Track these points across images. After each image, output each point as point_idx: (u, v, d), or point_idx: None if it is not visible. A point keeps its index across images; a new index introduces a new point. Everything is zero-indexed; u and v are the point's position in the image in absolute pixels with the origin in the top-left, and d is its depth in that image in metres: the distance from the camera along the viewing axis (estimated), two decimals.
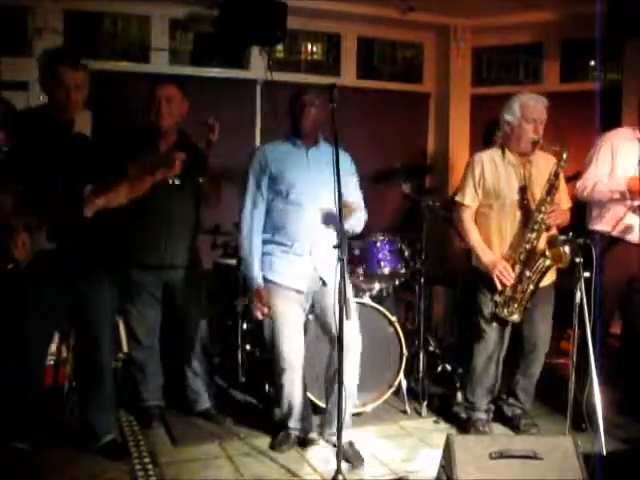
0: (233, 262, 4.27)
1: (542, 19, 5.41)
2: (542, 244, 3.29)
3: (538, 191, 3.34)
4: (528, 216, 3.34)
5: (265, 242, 3.24)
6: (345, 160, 3.20)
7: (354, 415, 3.47)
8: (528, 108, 3.34)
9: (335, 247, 2.77)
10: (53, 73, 2.89)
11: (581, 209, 3.76)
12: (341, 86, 3.08)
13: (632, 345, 3.79)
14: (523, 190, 3.38)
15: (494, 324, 3.44)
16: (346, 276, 3.18)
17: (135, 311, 3.52)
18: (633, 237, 3.60)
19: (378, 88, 5.71)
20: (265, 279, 3.20)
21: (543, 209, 3.27)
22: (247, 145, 5.29)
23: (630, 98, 4.76)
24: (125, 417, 3.67)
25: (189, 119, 3.48)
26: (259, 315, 3.20)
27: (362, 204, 3.32)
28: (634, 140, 3.65)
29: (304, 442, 3.37)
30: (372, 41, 5.86)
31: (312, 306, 3.32)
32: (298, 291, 3.21)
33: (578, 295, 2.96)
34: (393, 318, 3.84)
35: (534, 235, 3.30)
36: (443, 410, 3.85)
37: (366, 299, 3.85)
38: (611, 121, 4.18)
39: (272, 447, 3.33)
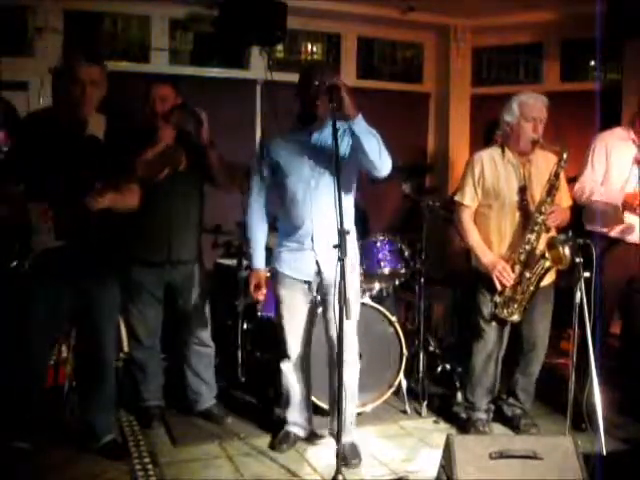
0: (234, 262, 4.27)
1: (542, 19, 5.42)
2: (542, 245, 3.28)
3: (538, 191, 3.34)
4: (527, 216, 3.34)
5: (278, 232, 3.29)
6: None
7: None
8: (527, 106, 3.33)
9: (335, 247, 2.77)
10: (69, 69, 2.88)
11: (580, 209, 3.76)
12: None
13: (632, 345, 3.79)
14: (523, 190, 3.37)
15: (493, 324, 3.44)
16: (355, 276, 3.21)
17: (136, 311, 3.52)
18: (633, 237, 3.60)
19: (378, 88, 5.72)
20: (275, 269, 3.24)
21: (543, 209, 3.27)
22: (247, 145, 5.29)
23: (630, 98, 4.77)
24: (125, 417, 3.67)
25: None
26: (257, 296, 3.29)
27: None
28: (628, 140, 3.65)
29: (309, 437, 3.39)
30: (372, 41, 5.87)
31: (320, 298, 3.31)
32: (302, 281, 3.19)
33: (578, 295, 2.96)
34: (393, 318, 3.84)
35: (534, 236, 3.29)
36: (443, 410, 3.85)
37: (366, 299, 3.85)
38: (611, 121, 4.18)
39: (272, 447, 3.33)
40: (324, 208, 2.99)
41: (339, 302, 2.75)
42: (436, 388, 4.15)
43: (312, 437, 3.44)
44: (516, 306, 3.35)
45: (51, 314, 2.97)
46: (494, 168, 3.41)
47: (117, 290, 3.18)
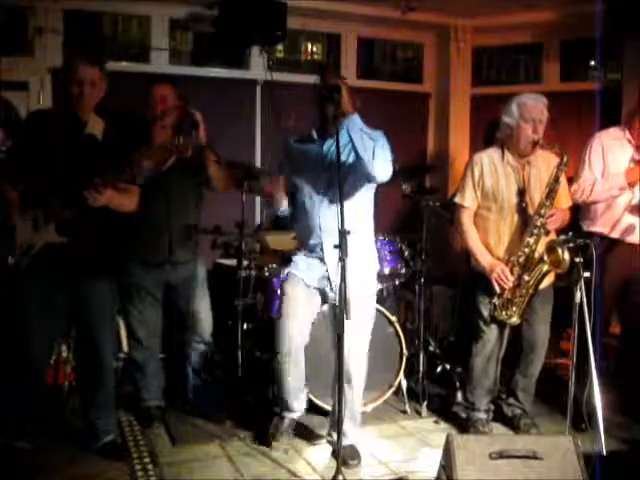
0: (233, 262, 4.27)
1: (542, 19, 5.41)
2: (541, 248, 3.27)
3: (537, 194, 3.33)
4: (526, 219, 3.33)
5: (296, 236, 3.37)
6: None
7: None
8: (526, 107, 3.32)
9: (335, 247, 2.77)
10: (68, 69, 2.90)
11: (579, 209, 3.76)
12: None
13: (630, 345, 3.80)
14: (521, 193, 3.37)
15: (493, 325, 3.43)
16: (369, 278, 3.22)
17: (135, 311, 3.52)
18: (633, 238, 3.60)
19: (378, 88, 5.71)
20: (290, 272, 3.26)
21: (542, 212, 3.26)
22: (247, 145, 5.30)
23: (630, 98, 4.77)
24: (125, 417, 3.67)
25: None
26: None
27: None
28: (623, 140, 3.65)
29: (309, 438, 3.40)
30: (372, 41, 5.86)
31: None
32: (307, 284, 3.20)
33: (578, 295, 2.96)
34: (393, 318, 3.84)
35: (533, 239, 3.29)
36: (443, 410, 3.85)
37: None
38: (611, 121, 4.17)
39: (267, 439, 3.31)
40: (333, 218, 2.91)
41: (339, 302, 2.75)
42: (436, 388, 4.15)
43: (312, 437, 3.44)
44: (515, 309, 3.35)
45: (48, 313, 2.97)
46: (493, 170, 3.41)
47: (114, 290, 3.17)
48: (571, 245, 3.09)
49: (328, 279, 3.15)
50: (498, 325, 3.44)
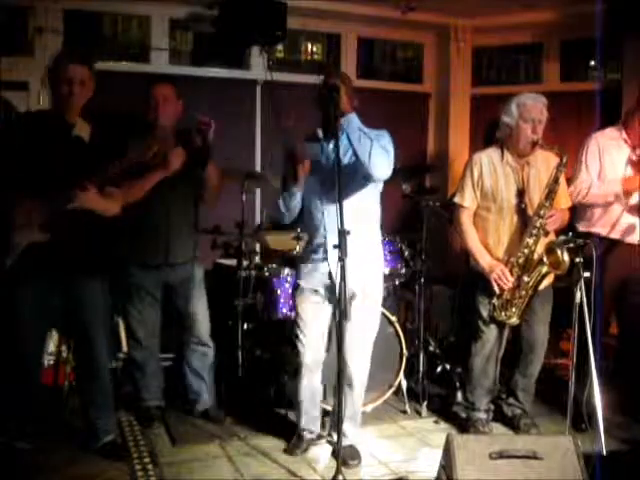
0: (233, 262, 4.27)
1: (542, 19, 5.41)
2: (540, 249, 3.27)
3: (536, 194, 3.33)
4: (525, 220, 3.33)
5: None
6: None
7: None
8: (525, 107, 3.31)
9: (335, 247, 2.76)
10: (58, 68, 2.90)
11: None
12: None
13: (628, 345, 3.80)
14: (521, 193, 3.36)
15: (492, 325, 3.43)
16: (374, 279, 3.19)
17: (135, 311, 3.52)
18: (633, 238, 3.60)
19: (378, 88, 5.71)
20: (297, 283, 3.25)
21: (542, 213, 3.26)
22: (247, 145, 5.30)
23: (630, 98, 4.76)
24: (125, 417, 3.67)
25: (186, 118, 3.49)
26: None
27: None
28: (620, 140, 3.64)
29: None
30: (372, 41, 5.86)
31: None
32: (315, 291, 3.18)
33: (578, 295, 2.96)
34: (393, 318, 3.84)
35: (532, 240, 3.28)
36: (443, 410, 3.85)
37: None
38: (611, 121, 4.17)
39: (286, 451, 3.30)
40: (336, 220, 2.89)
41: (339, 302, 2.75)
42: (436, 388, 4.15)
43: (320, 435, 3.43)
44: (514, 309, 3.35)
45: (40, 313, 2.96)
46: (493, 170, 3.41)
47: (106, 290, 3.15)
48: (571, 246, 3.09)
49: (331, 280, 3.14)
50: (497, 325, 3.44)
